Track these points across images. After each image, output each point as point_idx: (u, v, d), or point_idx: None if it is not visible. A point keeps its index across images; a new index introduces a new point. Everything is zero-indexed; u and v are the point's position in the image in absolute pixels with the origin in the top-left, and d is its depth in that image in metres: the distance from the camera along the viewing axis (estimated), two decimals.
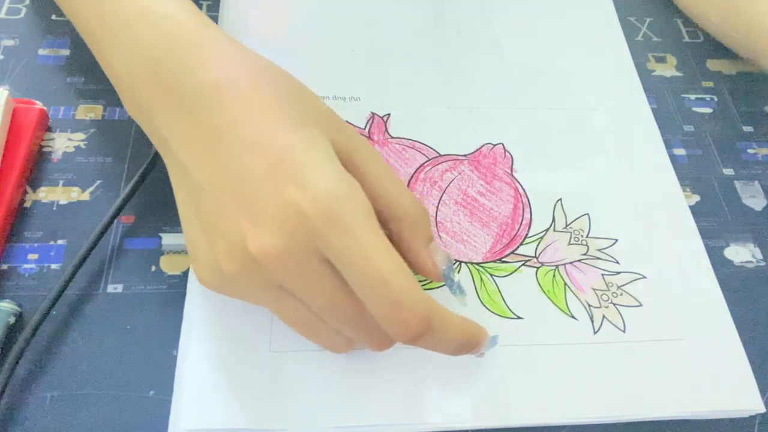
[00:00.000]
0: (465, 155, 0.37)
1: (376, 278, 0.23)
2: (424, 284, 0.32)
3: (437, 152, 0.37)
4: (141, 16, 0.26)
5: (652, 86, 0.42)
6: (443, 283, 0.32)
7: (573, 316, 0.32)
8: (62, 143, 0.36)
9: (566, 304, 0.32)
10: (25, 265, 0.32)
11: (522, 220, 0.35)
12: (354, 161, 0.27)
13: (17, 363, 0.28)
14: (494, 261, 0.33)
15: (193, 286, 0.31)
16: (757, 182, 0.39)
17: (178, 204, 0.27)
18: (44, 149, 0.35)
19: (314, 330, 0.27)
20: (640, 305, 0.33)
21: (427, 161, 0.36)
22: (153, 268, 0.32)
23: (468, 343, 0.26)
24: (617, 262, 0.34)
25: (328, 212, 0.23)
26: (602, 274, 0.33)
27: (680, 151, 0.40)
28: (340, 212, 0.23)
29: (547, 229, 0.35)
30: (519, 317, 0.32)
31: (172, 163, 0.27)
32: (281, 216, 0.23)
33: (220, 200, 0.24)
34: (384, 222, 0.28)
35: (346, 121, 0.31)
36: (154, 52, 0.26)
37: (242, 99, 0.25)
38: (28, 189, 0.34)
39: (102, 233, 0.31)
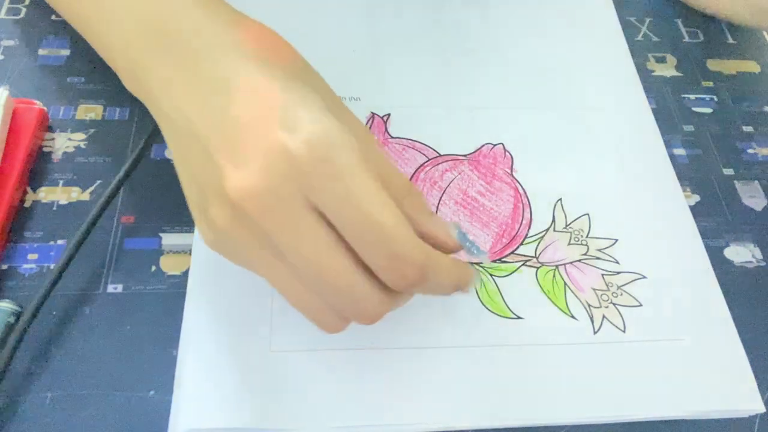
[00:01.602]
0: (465, 155, 0.37)
1: (373, 228, 0.22)
2: None
3: (437, 152, 0.37)
4: None
5: (652, 86, 0.42)
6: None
7: (573, 316, 0.32)
8: (62, 143, 0.36)
9: (566, 304, 0.32)
10: (25, 265, 0.32)
11: (522, 220, 0.35)
12: None
13: (10, 362, 0.28)
14: (494, 261, 0.33)
15: (193, 285, 0.31)
16: (757, 182, 0.39)
17: (177, 169, 0.26)
18: (44, 149, 0.35)
19: (305, 301, 0.25)
20: (640, 305, 0.32)
21: (427, 161, 0.36)
22: (153, 268, 0.32)
23: (460, 282, 0.26)
24: (617, 262, 0.34)
25: (320, 155, 0.21)
26: (602, 274, 0.33)
27: (680, 151, 0.40)
28: (333, 155, 0.22)
29: (547, 229, 0.35)
30: (519, 317, 0.32)
31: (168, 128, 0.26)
32: (265, 157, 0.22)
33: (206, 145, 0.23)
34: None
35: None
36: (159, 18, 0.25)
37: (247, 56, 0.24)
38: (28, 189, 0.34)
39: (104, 209, 0.31)
